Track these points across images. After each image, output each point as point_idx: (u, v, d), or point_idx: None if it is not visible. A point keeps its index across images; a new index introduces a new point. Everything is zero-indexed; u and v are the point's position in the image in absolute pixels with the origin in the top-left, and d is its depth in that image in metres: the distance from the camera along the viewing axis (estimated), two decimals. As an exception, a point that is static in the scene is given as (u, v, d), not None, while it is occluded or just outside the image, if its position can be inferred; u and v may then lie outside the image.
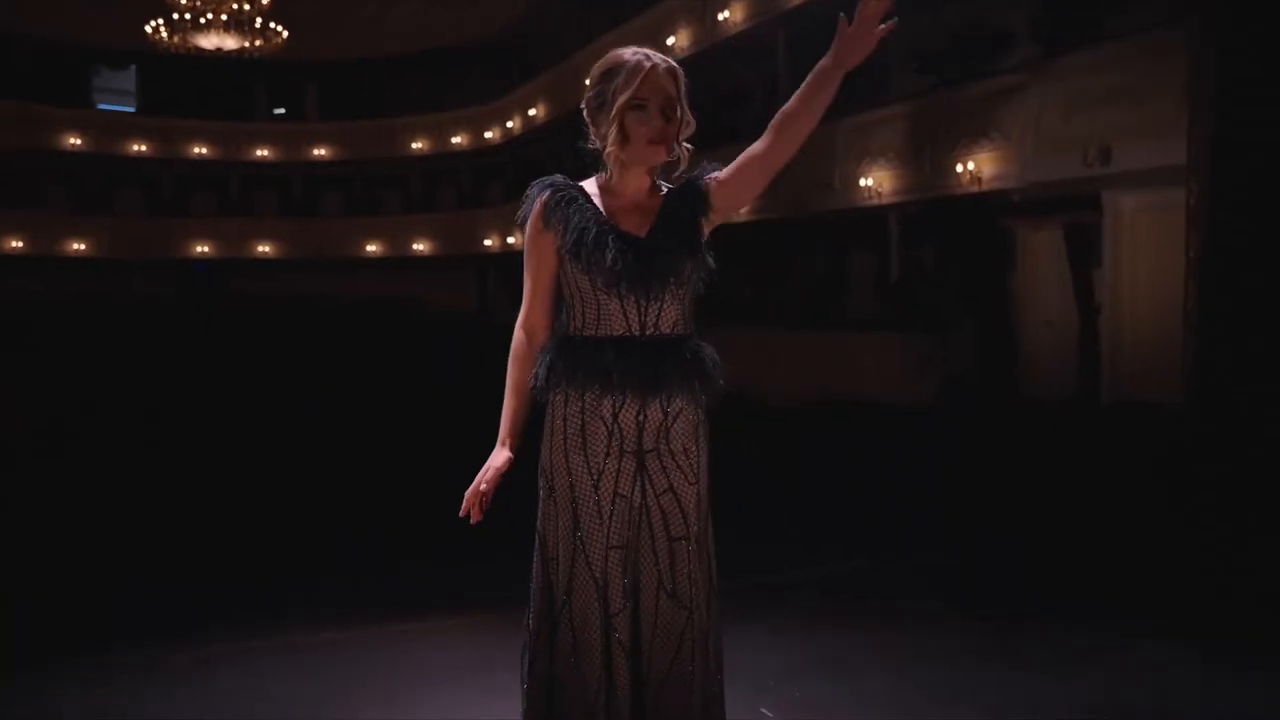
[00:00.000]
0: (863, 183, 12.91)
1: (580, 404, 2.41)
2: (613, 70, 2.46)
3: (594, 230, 2.42)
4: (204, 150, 29.54)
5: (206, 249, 29.69)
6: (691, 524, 2.44)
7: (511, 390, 2.53)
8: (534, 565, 2.48)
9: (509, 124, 26.03)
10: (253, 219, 30.67)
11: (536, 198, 2.50)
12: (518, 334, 2.55)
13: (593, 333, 2.43)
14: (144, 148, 28.88)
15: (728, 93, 17.39)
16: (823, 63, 2.32)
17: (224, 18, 17.86)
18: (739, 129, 16.27)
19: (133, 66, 28.84)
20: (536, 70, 24.07)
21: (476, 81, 27.97)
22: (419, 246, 29.72)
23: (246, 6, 18.20)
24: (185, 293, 29.20)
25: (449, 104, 28.73)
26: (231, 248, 29.87)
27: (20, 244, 27.25)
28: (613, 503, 2.40)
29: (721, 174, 2.50)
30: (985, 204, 11.93)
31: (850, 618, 4.50)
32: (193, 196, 30.37)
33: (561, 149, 23.87)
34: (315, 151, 30.81)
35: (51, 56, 27.19)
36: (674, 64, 2.49)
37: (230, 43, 18.26)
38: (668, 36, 17.50)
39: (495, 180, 28.70)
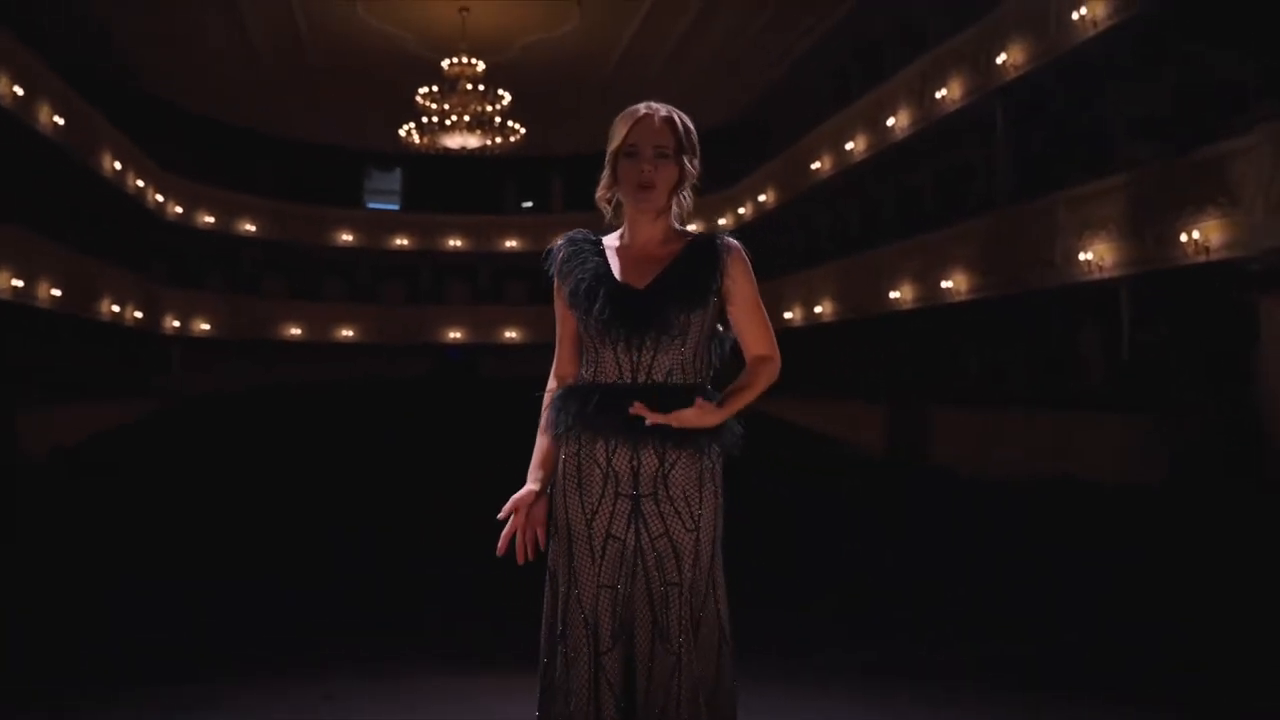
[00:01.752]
0: (1083, 256, 12.36)
1: (577, 446, 2.51)
2: (616, 121, 2.60)
3: (587, 282, 2.53)
4: (458, 243, 31.64)
5: (459, 334, 31.62)
6: (685, 571, 2.46)
7: (540, 431, 2.64)
8: (545, 598, 2.57)
9: (740, 210, 26.47)
10: (502, 306, 32.47)
11: (557, 255, 2.65)
12: (550, 380, 2.67)
13: (591, 379, 2.54)
14: (406, 242, 31.21)
15: (949, 170, 17.12)
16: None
17: (467, 119, 19.24)
18: (964, 206, 16.01)
19: (398, 168, 31.37)
20: (769, 153, 24.46)
21: (713, 167, 28.66)
22: (655, 330, 30.45)
23: (489, 108, 19.54)
24: (439, 374, 31.13)
25: (688, 192, 29.56)
26: (482, 333, 31.69)
27: (299, 331, 29.90)
28: (604, 543, 2.47)
29: (741, 304, 2.56)
30: (1220, 274, 11.17)
31: (933, 699, 4.36)
32: (448, 285, 32.51)
33: (792, 232, 24.12)
34: (560, 241, 32.34)
35: (330, 162, 30.02)
36: (676, 113, 2.59)
37: (473, 141, 19.64)
38: (888, 117, 17.47)
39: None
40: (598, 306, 2.50)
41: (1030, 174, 14.04)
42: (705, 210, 28.64)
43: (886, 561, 8.14)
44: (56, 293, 17.16)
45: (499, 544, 2.55)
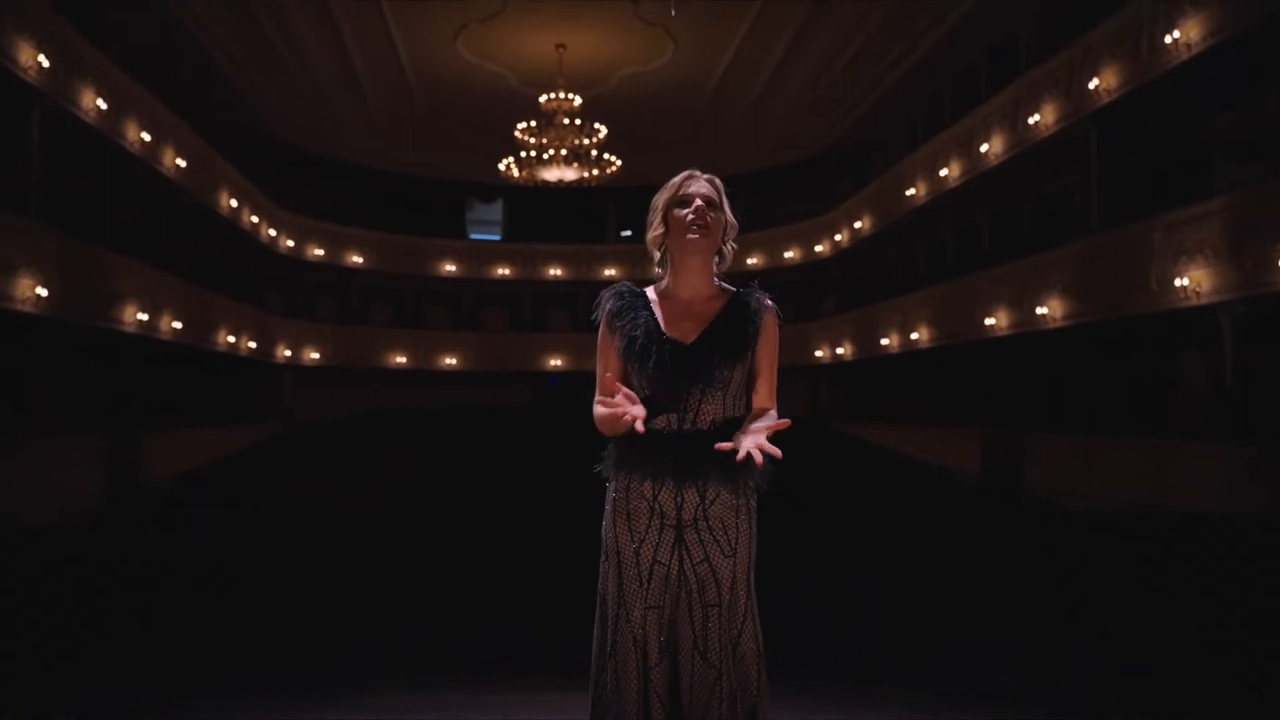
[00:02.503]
0: (1180, 282, 12.18)
1: (627, 483, 2.77)
2: (664, 187, 2.87)
3: (640, 339, 2.81)
4: (559, 272, 32.22)
5: (559, 362, 32.14)
6: (724, 593, 2.70)
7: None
8: (596, 619, 2.84)
9: (837, 237, 26.48)
10: (601, 333, 32.88)
11: (605, 305, 2.92)
12: (595, 403, 2.87)
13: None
14: (508, 271, 31.89)
15: (1044, 196, 16.96)
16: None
17: (564, 152, 19.72)
18: (1058, 232, 15.87)
19: (500, 200, 32.14)
20: (866, 179, 24.45)
21: (812, 193, 28.76)
22: (753, 357, 30.57)
23: (585, 141, 20.00)
24: (539, 402, 31.69)
25: (782, 219, 29.70)
26: (581, 361, 32.11)
27: (404, 359, 30.75)
28: (651, 568, 2.72)
29: (761, 359, 2.85)
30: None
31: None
32: (548, 314, 33.11)
33: (888, 259, 24.06)
34: (657, 269, 32.69)
35: (434, 195, 30.92)
36: (715, 178, 2.89)
37: (570, 174, 20.10)
38: (981, 144, 17.40)
39: (828, 293, 29.10)
40: (653, 362, 2.77)
41: (1125, 199, 13.88)
42: (803, 236, 28.76)
43: (951, 584, 8.18)
44: (177, 325, 18.06)
45: (616, 412, 2.62)
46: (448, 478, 16.18)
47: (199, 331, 19.59)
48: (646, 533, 2.75)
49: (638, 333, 2.83)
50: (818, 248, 27.95)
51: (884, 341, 22.30)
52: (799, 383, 30.15)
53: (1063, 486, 14.20)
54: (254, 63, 20.73)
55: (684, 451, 2.73)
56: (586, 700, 2.78)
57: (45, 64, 12.95)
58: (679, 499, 2.74)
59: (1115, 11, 13.68)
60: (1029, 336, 16.21)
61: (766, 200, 30.02)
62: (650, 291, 2.96)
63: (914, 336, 20.72)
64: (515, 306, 32.98)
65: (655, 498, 2.75)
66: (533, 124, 20.22)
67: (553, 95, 20.01)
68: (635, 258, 33.28)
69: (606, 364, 2.92)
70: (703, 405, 2.77)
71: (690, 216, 2.81)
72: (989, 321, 17.20)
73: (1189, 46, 11.97)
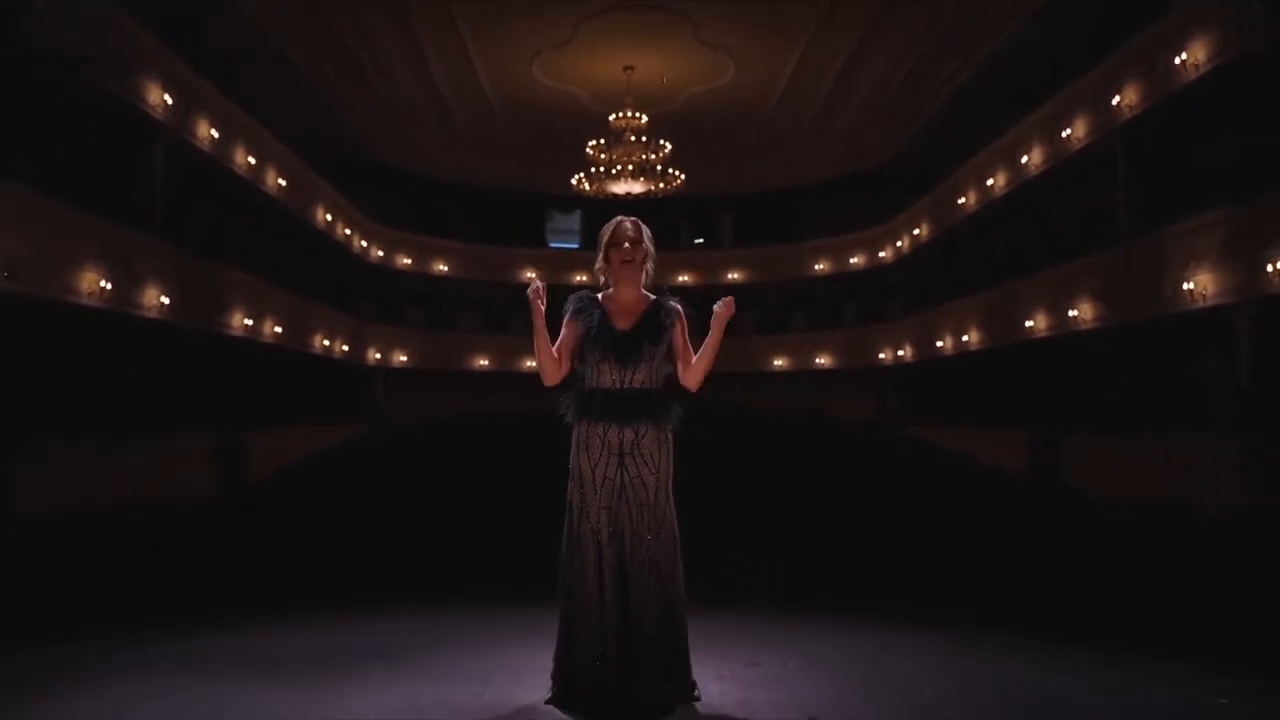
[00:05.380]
0: (1186, 286, 13.08)
1: (586, 426, 4.16)
2: (604, 230, 4.24)
3: (595, 327, 4.17)
4: (634, 278, 33.55)
5: (634, 364, 33.42)
6: (650, 496, 4.10)
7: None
8: (566, 519, 4.19)
9: (899, 244, 27.39)
10: (676, 338, 34.02)
11: (571, 305, 4.31)
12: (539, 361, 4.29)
13: (594, 385, 4.17)
14: (585, 278, 33.24)
15: (1081, 208, 17.81)
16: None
17: (631, 167, 21.10)
18: (1089, 241, 16.76)
19: (577, 210, 33.67)
20: (930, 188, 25.35)
21: (875, 202, 29.67)
22: (820, 360, 31.60)
23: (651, 156, 21.35)
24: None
25: (849, 226, 30.68)
26: (656, 364, 33.37)
27: (486, 362, 32.44)
28: (602, 482, 4.10)
29: (679, 343, 4.24)
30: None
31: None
32: (624, 319, 34.43)
33: (945, 265, 24.91)
34: (730, 275, 33.93)
35: (515, 206, 32.57)
36: (638, 220, 4.22)
37: (637, 188, 21.45)
38: (1023, 155, 18.33)
39: (893, 298, 29.92)
40: (603, 342, 4.16)
41: (1147, 210, 14.77)
42: (868, 243, 29.73)
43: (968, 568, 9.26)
44: (278, 329, 19.85)
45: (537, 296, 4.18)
46: (521, 477, 17.56)
47: (297, 336, 21.39)
48: (599, 458, 4.12)
49: (592, 324, 4.20)
50: (882, 254, 28.87)
51: (939, 344, 23.23)
52: (865, 386, 31.07)
53: (1100, 484, 14.98)
54: (347, 87, 22.53)
55: (623, 403, 4.09)
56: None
57: (169, 101, 14.74)
58: (620, 435, 4.10)
59: (1141, 31, 14.58)
60: (1064, 339, 17.10)
61: (832, 209, 31.04)
62: (600, 296, 4.31)
63: (965, 339, 21.64)
64: (593, 312, 34.32)
65: (604, 434, 4.12)
66: (602, 141, 21.62)
67: (621, 114, 21.37)
68: (708, 264, 34.52)
69: (562, 340, 4.27)
70: (635, 374, 4.15)
71: (622, 256, 4.15)
72: (1029, 324, 18.12)
73: (1197, 67, 12.88)
